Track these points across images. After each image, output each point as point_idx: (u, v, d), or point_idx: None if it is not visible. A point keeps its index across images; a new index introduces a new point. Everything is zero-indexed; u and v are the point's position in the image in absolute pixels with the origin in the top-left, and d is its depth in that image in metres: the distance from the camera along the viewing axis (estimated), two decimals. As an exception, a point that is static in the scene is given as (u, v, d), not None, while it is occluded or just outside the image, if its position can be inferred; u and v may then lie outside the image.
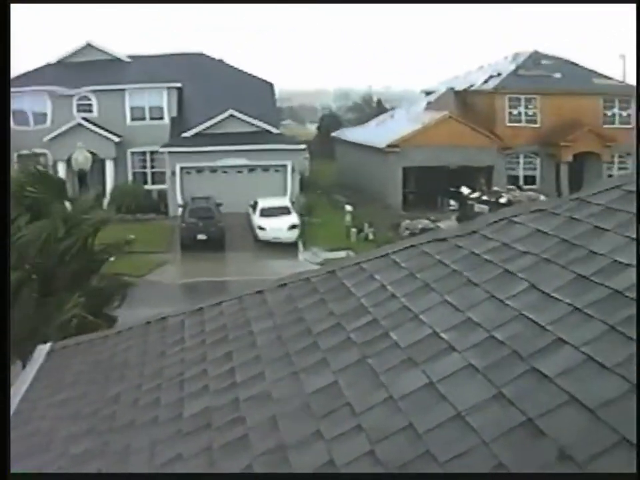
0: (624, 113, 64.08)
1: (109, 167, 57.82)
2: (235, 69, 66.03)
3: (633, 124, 63.51)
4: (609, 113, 63.87)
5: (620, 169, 62.74)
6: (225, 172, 55.13)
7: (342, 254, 40.40)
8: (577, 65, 66.53)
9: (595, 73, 65.67)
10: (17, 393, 8.34)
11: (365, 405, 4.87)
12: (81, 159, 50.46)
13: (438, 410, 4.44)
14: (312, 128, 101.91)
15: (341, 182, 68.32)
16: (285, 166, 54.90)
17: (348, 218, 49.45)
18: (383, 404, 4.79)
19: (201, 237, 45.47)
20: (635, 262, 5.07)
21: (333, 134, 75.35)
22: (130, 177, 59.36)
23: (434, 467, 3.98)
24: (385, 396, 4.85)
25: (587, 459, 3.55)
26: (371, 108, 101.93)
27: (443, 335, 5.30)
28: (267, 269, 39.99)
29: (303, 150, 59.75)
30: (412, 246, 7.27)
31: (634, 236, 5.42)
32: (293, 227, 46.85)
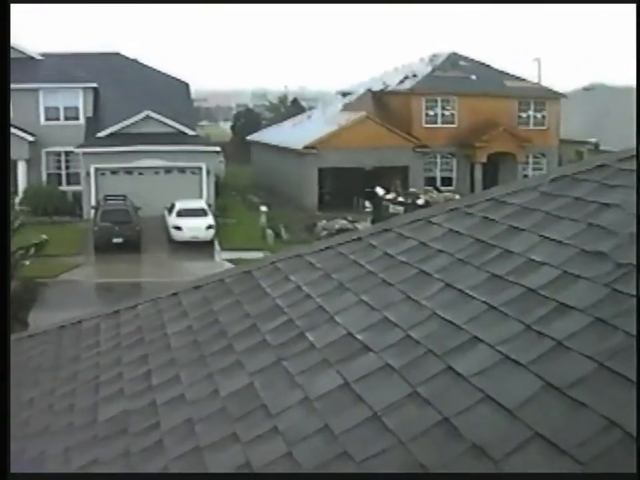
0: (539, 115, 65.20)
1: (21, 167, 56.77)
2: (151, 68, 65.51)
3: (548, 125, 64.71)
4: (524, 115, 64.99)
5: (535, 169, 63.88)
6: (141, 173, 54.65)
7: (257, 255, 40.35)
8: (492, 67, 67.50)
9: (509, 75, 66.70)
10: None
11: (280, 406, 4.86)
12: (-10, 158, 49.45)
13: (354, 410, 4.45)
14: (227, 128, 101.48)
15: (257, 183, 68.31)
16: (200, 168, 54.61)
17: (263, 219, 49.49)
18: (298, 405, 4.79)
19: (117, 240, 44.99)
20: (549, 260, 5.16)
21: (249, 136, 75.13)
22: (44, 178, 58.43)
23: (351, 468, 3.98)
24: (301, 397, 4.85)
25: (502, 457, 3.59)
26: (287, 107, 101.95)
27: (358, 335, 5.31)
28: (183, 270, 39.81)
29: (219, 152, 59.48)
30: (328, 247, 7.28)
31: (549, 235, 5.51)
32: (210, 227, 46.68)
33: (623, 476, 3.00)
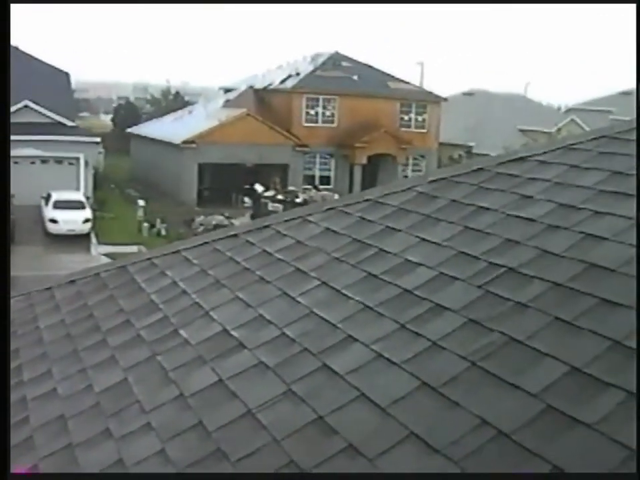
0: (420, 118, 66.04)
1: None
2: (32, 57, 64.07)
3: (428, 128, 65.61)
4: (406, 117, 65.66)
5: (414, 170, 64.67)
6: (16, 162, 53.42)
7: (133, 249, 39.83)
8: (374, 68, 68.01)
9: (392, 77, 67.33)
10: None
11: (154, 402, 4.80)
12: None
13: (228, 407, 4.43)
14: (107, 120, 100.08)
15: (135, 177, 67.46)
16: (78, 159, 53.67)
17: (140, 213, 48.95)
18: (173, 402, 4.74)
19: (-14, 230, 43.81)
20: (425, 261, 5.22)
21: (129, 129, 74.12)
22: None
23: (225, 465, 3.96)
24: (175, 394, 4.80)
25: (376, 455, 3.62)
26: (168, 101, 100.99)
27: (233, 332, 5.29)
28: (58, 263, 39.04)
29: (98, 143, 58.54)
30: (204, 243, 7.24)
31: (425, 236, 5.59)
32: (87, 220, 45.91)
33: (623, 476, 3.04)
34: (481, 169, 6.44)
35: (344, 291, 5.27)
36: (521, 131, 72.33)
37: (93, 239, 45.35)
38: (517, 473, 3.21)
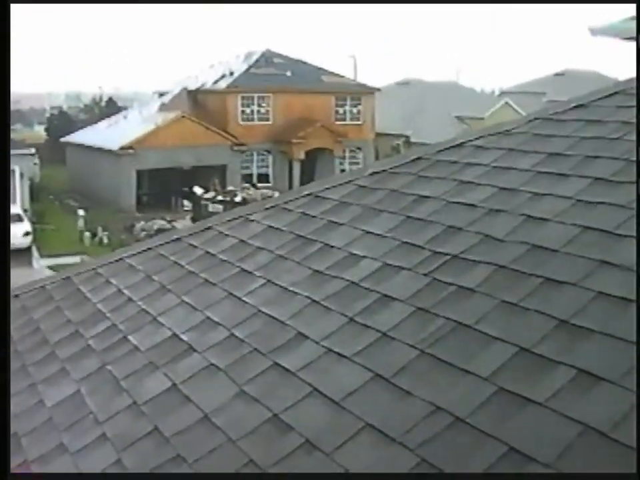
0: (354, 110, 66.15)
1: None
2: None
3: (363, 120, 65.75)
4: (341, 110, 65.73)
5: (351, 163, 64.81)
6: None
7: (76, 259, 39.47)
8: (307, 63, 68.01)
9: (325, 71, 67.37)
10: None
11: (108, 412, 4.77)
12: None
13: (183, 412, 4.42)
14: (42, 131, 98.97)
15: (73, 187, 66.78)
16: (13, 171, 53.06)
17: (81, 222, 48.56)
18: (127, 410, 4.72)
19: None
20: (369, 253, 5.25)
21: (64, 138, 73.33)
22: None
23: (184, 469, 3.95)
24: (129, 402, 4.78)
25: (333, 449, 3.63)
26: (101, 109, 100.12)
27: (182, 336, 5.28)
28: None
29: (32, 154, 57.94)
30: (148, 249, 7.20)
31: (368, 228, 5.61)
32: (27, 233, 45.39)
33: (623, 476, 3.06)
34: (420, 157, 6.48)
35: (290, 288, 5.28)
36: (457, 117, 72.80)
37: (35, 252, 44.86)
38: (517, 473, 3.23)
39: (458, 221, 5.20)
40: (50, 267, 39.47)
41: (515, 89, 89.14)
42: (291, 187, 59.49)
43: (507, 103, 74.94)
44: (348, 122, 65.67)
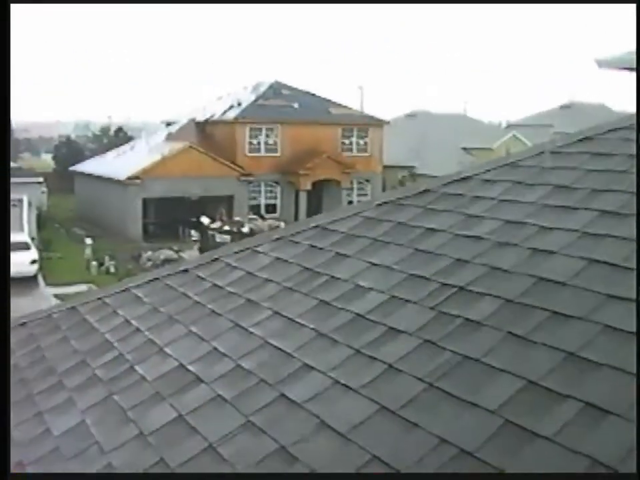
0: (362, 142, 66.23)
1: None
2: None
3: (371, 151, 65.82)
4: (347, 141, 65.82)
5: (359, 195, 64.83)
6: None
7: (83, 288, 39.51)
8: (315, 95, 68.23)
9: (333, 102, 67.57)
10: None
11: (114, 443, 4.77)
12: None
13: (189, 443, 4.41)
14: (50, 160, 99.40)
15: (81, 215, 66.98)
16: (21, 200, 53.22)
17: (88, 251, 48.59)
18: (133, 440, 4.71)
19: None
20: (376, 285, 5.26)
21: (72, 167, 73.61)
22: None
23: (186, 502, 3.95)
24: (135, 432, 4.77)
25: (337, 482, 3.63)
26: (110, 138, 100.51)
27: (189, 367, 5.28)
28: (6, 307, 38.54)
29: (40, 183, 58.14)
30: (155, 279, 7.22)
31: (375, 261, 5.62)
32: (34, 261, 45.44)
33: (623, 476, 3.08)
34: (427, 190, 6.50)
35: (297, 320, 5.28)
36: (464, 149, 72.92)
37: (41, 280, 44.89)
38: (516, 473, 3.22)
39: (465, 253, 5.22)
40: (56, 296, 39.48)
41: (522, 121, 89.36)
42: (297, 217, 59.54)
43: (514, 135, 75.12)
44: (355, 154, 65.73)
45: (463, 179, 6.46)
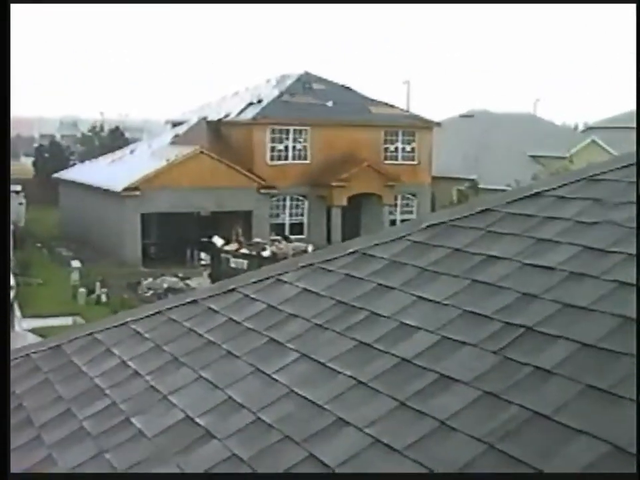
0: (408, 147, 66.00)
1: None
2: None
3: (419, 159, 65.60)
4: (391, 147, 65.64)
5: (404, 212, 64.67)
6: None
7: (68, 321, 39.67)
8: (352, 90, 68.15)
9: (373, 100, 67.48)
10: None
11: (104, 511, 4.80)
12: None
13: (196, 513, 4.43)
14: (29, 164, 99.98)
15: (66, 233, 67.26)
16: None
17: (75, 276, 48.78)
18: (127, 508, 4.73)
19: None
20: (425, 324, 5.26)
21: (56, 174, 73.93)
22: None
23: None
24: (130, 499, 4.80)
25: None
26: (102, 139, 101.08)
27: (198, 419, 5.30)
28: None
29: (17, 192, 58.51)
30: (157, 312, 7.25)
31: (424, 294, 5.62)
32: (6, 289, 45.69)
33: (623, 476, 3.09)
34: (488, 209, 6.50)
35: (330, 364, 5.29)
36: (532, 157, 72.61)
37: (17, 311, 45.02)
38: (517, 473, 3.23)
39: (534, 286, 5.20)
40: (35, 330, 39.57)
41: (604, 122, 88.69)
42: (329, 240, 59.48)
43: (593, 140, 74.70)
44: (400, 162, 65.62)
45: (532, 195, 6.45)
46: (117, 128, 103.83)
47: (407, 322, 5.40)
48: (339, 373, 5.16)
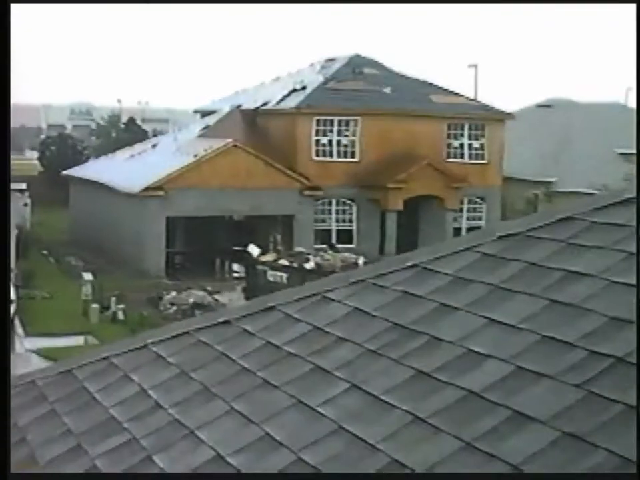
0: (476, 143, 65.57)
1: None
2: None
3: (488, 157, 65.17)
4: (456, 143, 65.28)
5: (470, 219, 64.30)
6: None
7: (78, 341, 39.85)
8: (409, 76, 67.91)
9: (435, 86, 67.22)
10: None
11: None
12: None
13: None
14: (35, 159, 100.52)
15: (77, 238, 67.55)
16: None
17: (88, 290, 48.90)
18: None
19: None
20: (496, 352, 5.25)
21: (66, 171, 74.22)
22: None
23: None
24: None
25: None
26: (120, 131, 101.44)
27: (230, 459, 5.31)
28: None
29: (22, 192, 58.79)
30: (183, 333, 7.27)
31: (495, 316, 5.61)
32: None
33: (623, 476, 3.10)
34: (570, 217, 6.47)
35: (384, 397, 5.29)
36: (622, 154, 71.96)
37: (19, 329, 45.27)
38: (517, 473, 3.22)
39: (624, 309, 5.18)
40: (39, 352, 39.73)
41: None
42: (382, 250, 59.37)
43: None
44: (466, 160, 65.30)
45: (623, 201, 6.42)
46: (133, 120, 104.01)
47: (475, 348, 5.39)
48: (395, 407, 5.16)
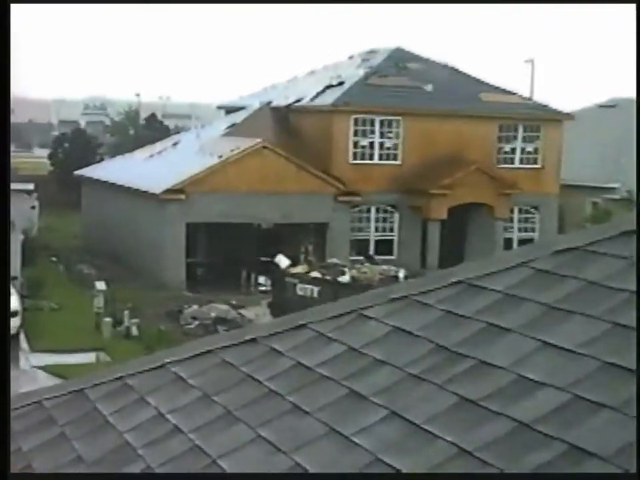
0: (530, 147, 65.35)
1: None
2: None
3: (543, 162, 64.89)
4: (507, 147, 65.10)
5: (523, 230, 64.10)
6: None
7: (89, 358, 39.94)
8: (458, 71, 67.81)
9: (486, 84, 67.07)
10: None
11: None
12: None
13: None
14: (45, 158, 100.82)
15: (89, 245, 67.76)
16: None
17: (99, 301, 48.97)
18: None
19: None
20: (552, 379, 5.23)
21: (79, 171, 74.40)
22: None
23: None
24: None
25: None
26: (138, 127, 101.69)
27: (256, 491, 5.32)
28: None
29: (30, 193, 58.94)
30: (206, 351, 7.27)
31: (550, 339, 5.59)
32: (14, 314, 45.97)
33: (623, 476, 3.12)
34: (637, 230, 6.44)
35: (426, 427, 5.28)
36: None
37: (24, 343, 45.36)
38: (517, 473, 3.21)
39: (695, 334, 5.16)
40: (46, 368, 39.82)
41: None
42: (425, 263, 59.29)
43: None
44: (518, 165, 65.10)
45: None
46: (153, 116, 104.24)
47: (528, 375, 5.37)
48: (438, 437, 5.15)
